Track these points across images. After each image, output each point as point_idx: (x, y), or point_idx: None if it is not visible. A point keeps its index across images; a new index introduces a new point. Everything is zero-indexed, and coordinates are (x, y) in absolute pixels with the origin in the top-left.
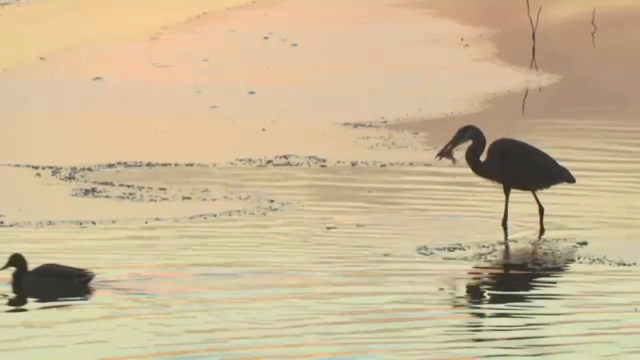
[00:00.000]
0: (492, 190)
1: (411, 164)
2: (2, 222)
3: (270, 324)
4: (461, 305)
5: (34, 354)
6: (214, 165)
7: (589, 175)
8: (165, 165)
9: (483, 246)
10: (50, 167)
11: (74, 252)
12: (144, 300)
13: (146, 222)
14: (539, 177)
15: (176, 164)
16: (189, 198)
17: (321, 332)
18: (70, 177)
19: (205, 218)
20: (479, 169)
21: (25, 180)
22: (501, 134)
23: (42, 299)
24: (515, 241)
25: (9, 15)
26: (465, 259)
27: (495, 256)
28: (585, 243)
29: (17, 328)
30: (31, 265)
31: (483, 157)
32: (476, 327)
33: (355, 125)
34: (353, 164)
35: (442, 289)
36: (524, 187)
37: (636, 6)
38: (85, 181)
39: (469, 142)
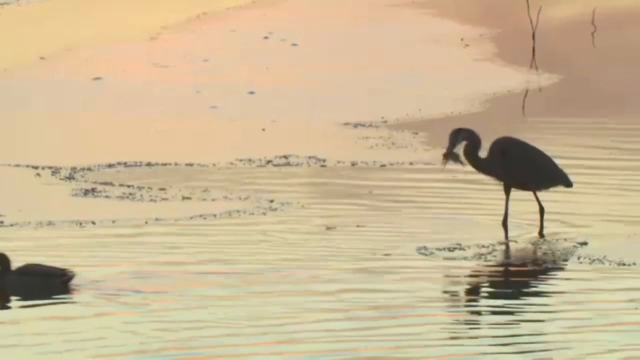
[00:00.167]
0: (492, 190)
1: (411, 163)
2: (2, 222)
3: (267, 323)
4: (461, 305)
5: (14, 353)
6: (214, 165)
7: (589, 175)
8: (165, 165)
9: (483, 246)
10: (50, 167)
11: (62, 250)
12: (133, 300)
13: (146, 222)
14: (539, 178)
15: (176, 164)
16: (189, 198)
17: (318, 329)
18: (70, 177)
19: (205, 218)
20: (480, 165)
21: (25, 180)
22: (501, 134)
23: (23, 298)
24: (516, 241)
25: (9, 15)
26: (465, 258)
27: (495, 256)
28: (585, 243)
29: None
30: (16, 265)
31: (484, 155)
32: (476, 327)
33: (355, 125)
34: (353, 164)
35: (442, 289)
36: (523, 186)
37: (636, 6)
38: (85, 181)
39: (463, 143)
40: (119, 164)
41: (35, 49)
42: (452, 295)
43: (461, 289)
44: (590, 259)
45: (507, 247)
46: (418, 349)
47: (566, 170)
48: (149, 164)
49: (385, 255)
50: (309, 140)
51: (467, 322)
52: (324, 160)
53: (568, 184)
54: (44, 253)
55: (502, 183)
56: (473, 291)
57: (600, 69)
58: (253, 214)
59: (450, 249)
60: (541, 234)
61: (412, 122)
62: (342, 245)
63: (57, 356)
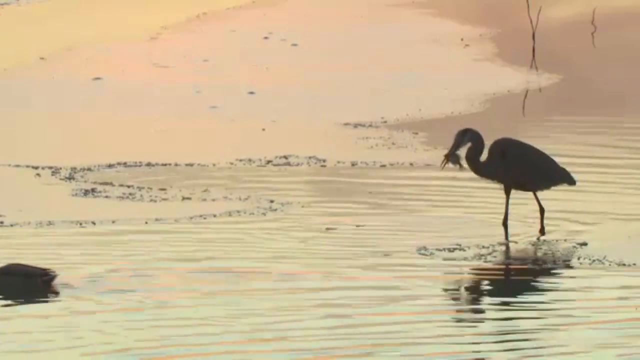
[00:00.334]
0: (492, 191)
1: (411, 164)
2: (2, 222)
3: (263, 321)
4: (461, 305)
5: None
6: (214, 165)
7: (589, 175)
8: (165, 165)
9: (483, 246)
10: (50, 167)
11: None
12: (125, 299)
13: (146, 222)
14: (539, 178)
15: (176, 164)
16: (189, 198)
17: (317, 328)
18: (70, 177)
19: (205, 218)
20: (480, 170)
21: (25, 180)
22: (501, 134)
23: (4, 297)
24: (516, 241)
25: (9, 15)
26: (465, 259)
27: (495, 256)
28: (585, 243)
29: None
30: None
31: (484, 157)
32: (476, 327)
33: (355, 125)
34: (353, 164)
35: (442, 289)
36: (523, 187)
37: (636, 6)
38: (85, 181)
39: (468, 144)
40: (119, 164)
41: (35, 49)
42: (452, 295)
43: (461, 289)
44: (590, 259)
45: (507, 247)
46: (418, 348)
47: (567, 169)
48: (149, 164)
49: (385, 255)
50: (309, 140)
51: (467, 322)
52: (324, 160)
53: (571, 182)
54: (44, 252)
55: (502, 185)
56: (473, 291)
57: (600, 69)
58: (253, 214)
59: (450, 249)
60: (541, 234)
61: (412, 122)
62: (342, 245)
63: (41, 355)
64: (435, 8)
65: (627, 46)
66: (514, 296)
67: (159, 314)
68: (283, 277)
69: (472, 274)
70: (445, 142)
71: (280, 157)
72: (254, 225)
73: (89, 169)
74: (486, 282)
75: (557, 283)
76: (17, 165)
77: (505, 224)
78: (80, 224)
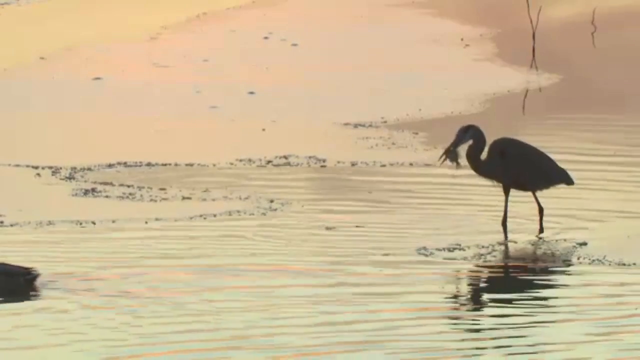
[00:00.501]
0: (491, 190)
1: (411, 164)
2: (2, 222)
3: (261, 321)
4: (461, 305)
5: None
6: (214, 165)
7: (588, 175)
8: (165, 165)
9: (483, 246)
10: (50, 167)
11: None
12: (118, 299)
13: (146, 222)
14: (538, 178)
15: (176, 164)
16: (188, 198)
17: (316, 327)
18: (70, 177)
19: (205, 218)
20: (480, 168)
21: (25, 180)
22: (501, 134)
23: None
24: (515, 241)
25: (9, 15)
26: (465, 259)
27: (495, 256)
28: (585, 243)
29: None
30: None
31: (483, 156)
32: (475, 327)
33: (355, 125)
34: (353, 164)
35: (441, 289)
36: (523, 187)
37: (636, 6)
38: (85, 181)
39: (470, 142)
40: (119, 164)
41: (35, 49)
42: (451, 295)
43: (461, 289)
44: (590, 258)
45: (507, 247)
46: (417, 347)
47: (566, 170)
48: (149, 164)
49: (385, 255)
50: (309, 140)
51: (466, 322)
52: (324, 160)
53: (569, 182)
54: (42, 252)
55: (501, 185)
56: (472, 291)
57: (600, 69)
58: (253, 214)
59: (450, 249)
60: (540, 235)
61: (412, 122)
62: (342, 245)
63: (29, 353)
64: (435, 8)
65: (627, 46)
66: (514, 296)
67: (142, 313)
68: (283, 276)
69: (472, 273)
70: (445, 142)
71: (280, 157)
72: (254, 225)
73: (89, 169)
74: (485, 281)
75: (557, 283)
76: (17, 165)
77: (504, 223)
78: (80, 223)
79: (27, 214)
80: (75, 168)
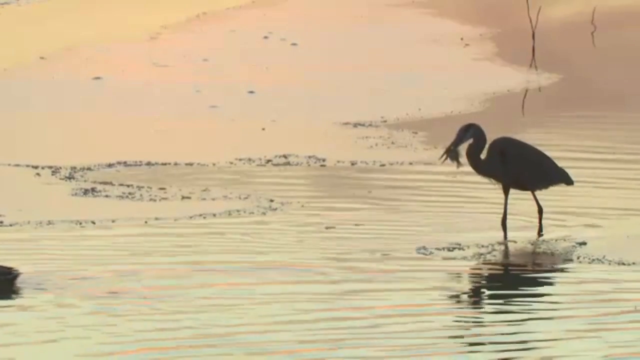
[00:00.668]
0: (491, 190)
1: (411, 163)
2: (1, 222)
3: (259, 320)
4: (460, 305)
5: None
6: (214, 164)
7: (588, 175)
8: (165, 165)
9: (482, 246)
10: (50, 167)
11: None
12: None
13: (146, 222)
14: (538, 178)
15: (176, 164)
16: (188, 198)
17: (315, 326)
18: (70, 177)
19: (204, 217)
20: (480, 168)
21: (25, 180)
22: (501, 133)
23: None
24: (515, 241)
25: (9, 15)
26: (464, 258)
27: (494, 256)
28: (584, 243)
29: None
30: None
31: (483, 155)
32: (475, 327)
33: (355, 125)
34: (353, 164)
35: (441, 288)
36: (522, 187)
37: (636, 6)
38: (85, 181)
39: (470, 141)
40: (118, 163)
41: (35, 49)
42: (451, 295)
43: (460, 289)
44: (589, 258)
45: (506, 247)
46: (416, 346)
47: (566, 169)
48: (148, 164)
49: (384, 255)
50: (309, 140)
51: (466, 322)
52: (323, 160)
53: (569, 182)
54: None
55: (500, 184)
56: (472, 291)
57: (600, 69)
58: (253, 213)
59: (449, 249)
60: (540, 234)
61: (412, 121)
62: (341, 244)
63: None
64: (435, 8)
65: (627, 46)
66: (513, 295)
67: (122, 311)
68: (282, 276)
69: (471, 273)
70: (445, 141)
71: (280, 157)
72: (254, 225)
73: (89, 169)
74: (485, 280)
75: (557, 282)
76: (17, 165)
77: (504, 223)
78: (80, 223)
79: (27, 214)
80: (75, 168)
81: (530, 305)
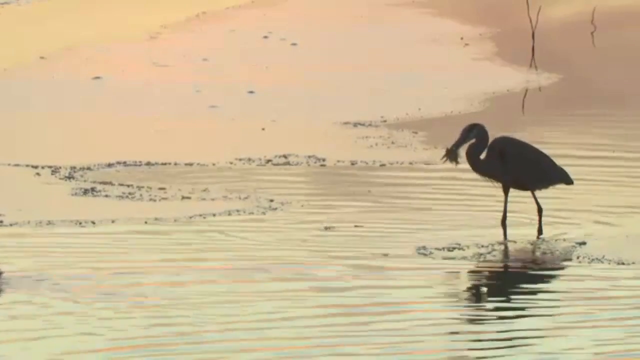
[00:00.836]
0: (491, 190)
1: (411, 163)
2: (1, 222)
3: (256, 319)
4: (460, 305)
5: None
6: (214, 164)
7: (588, 175)
8: (164, 164)
9: (482, 246)
10: (50, 167)
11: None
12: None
13: (146, 222)
14: (537, 177)
15: (176, 164)
16: (188, 198)
17: (314, 325)
18: (70, 177)
19: (204, 217)
20: (479, 168)
21: (25, 180)
22: (501, 133)
23: None
24: (515, 241)
25: (9, 15)
26: (464, 258)
27: (494, 256)
28: (584, 243)
29: None
30: None
31: (482, 155)
32: (475, 327)
33: (355, 125)
34: (353, 164)
35: (441, 288)
36: (522, 186)
37: (636, 6)
38: (85, 181)
39: (472, 141)
40: (118, 163)
41: (35, 49)
42: (450, 295)
43: (460, 289)
44: (589, 258)
45: (506, 247)
46: (416, 345)
47: (566, 169)
48: (148, 164)
49: (384, 254)
50: (309, 140)
51: (466, 322)
52: (323, 160)
53: (569, 182)
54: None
55: (500, 184)
56: (472, 291)
57: (600, 69)
58: (252, 213)
59: (449, 249)
60: (540, 234)
61: (412, 121)
62: (341, 244)
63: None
64: (435, 8)
65: (627, 46)
66: (513, 295)
67: (103, 312)
68: (281, 275)
69: (471, 273)
70: (445, 141)
71: (280, 157)
72: (254, 225)
73: (89, 169)
74: (485, 281)
75: (557, 282)
76: (17, 165)
77: (504, 223)
78: (80, 223)
79: (26, 214)
80: (74, 167)
81: (530, 305)
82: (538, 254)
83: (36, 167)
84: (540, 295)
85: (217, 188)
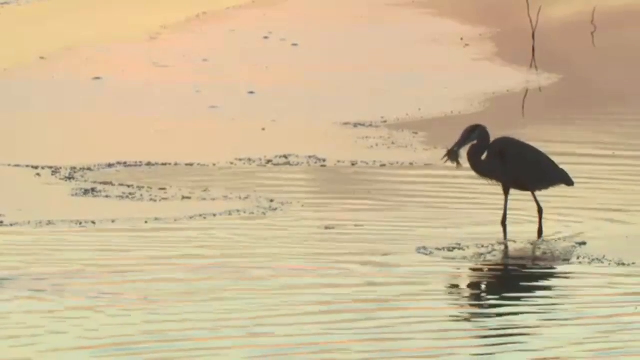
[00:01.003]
0: (491, 190)
1: (411, 163)
2: (1, 222)
3: (254, 318)
4: (460, 305)
5: None
6: (214, 164)
7: (588, 175)
8: (165, 164)
9: (482, 246)
10: (50, 167)
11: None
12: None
13: (146, 222)
14: (538, 178)
15: (176, 164)
16: (188, 198)
17: (312, 324)
18: (70, 177)
19: (205, 217)
20: (479, 168)
21: (25, 180)
22: (501, 133)
23: None
24: (515, 241)
25: (9, 15)
26: (464, 258)
27: (494, 256)
28: (584, 243)
29: None
30: None
31: (483, 156)
32: (475, 327)
33: (355, 125)
34: (353, 164)
35: (441, 288)
36: (522, 187)
37: (636, 6)
38: (85, 181)
39: (474, 142)
40: (118, 163)
41: (35, 49)
42: (450, 295)
43: (460, 289)
44: (589, 258)
45: (506, 247)
46: (416, 345)
47: (566, 169)
48: (149, 164)
49: (384, 254)
50: (309, 140)
51: (466, 322)
52: (324, 160)
53: (569, 183)
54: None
55: (500, 184)
56: (472, 291)
57: (600, 69)
58: (253, 213)
59: (449, 249)
60: (540, 234)
61: (412, 121)
62: (341, 244)
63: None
64: (435, 8)
65: (627, 46)
66: (513, 295)
67: (88, 313)
68: (281, 275)
69: (471, 273)
70: (445, 141)
71: (280, 157)
72: (254, 225)
73: (89, 169)
74: (485, 281)
75: (556, 282)
76: (17, 165)
77: (504, 223)
78: (80, 223)
79: (27, 214)
80: (75, 168)
81: (530, 305)
82: (538, 254)
83: (36, 167)
84: (540, 295)
85: (218, 188)
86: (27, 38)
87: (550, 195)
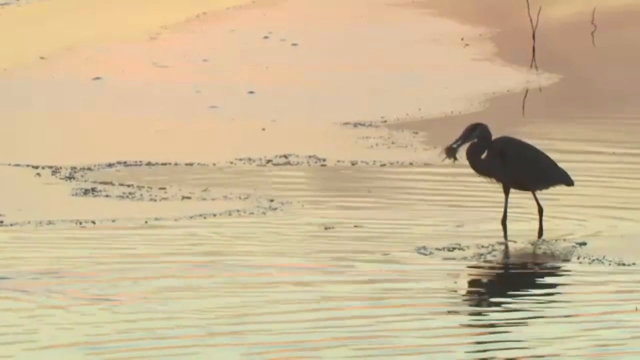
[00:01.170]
0: (491, 190)
1: (411, 163)
2: (1, 222)
3: (254, 315)
4: (460, 305)
5: None
6: (214, 164)
7: (588, 175)
8: (165, 164)
9: (482, 246)
10: (50, 167)
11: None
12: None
13: (146, 222)
14: (538, 178)
15: (176, 164)
16: (188, 197)
17: (312, 322)
18: (70, 177)
19: (205, 217)
20: (479, 167)
21: (25, 180)
22: (501, 133)
23: None
24: (515, 241)
25: (9, 15)
26: (464, 258)
27: (494, 256)
28: (584, 243)
29: None
30: None
31: (483, 155)
32: (474, 327)
33: (355, 125)
34: (353, 164)
35: (441, 288)
36: (522, 187)
37: (636, 6)
38: (85, 181)
39: (474, 140)
40: (119, 163)
41: (35, 49)
42: (450, 295)
43: (460, 289)
44: (589, 258)
45: (507, 247)
46: (415, 346)
47: (566, 169)
48: (149, 164)
49: (384, 255)
50: (309, 140)
51: (465, 322)
52: (324, 160)
53: (569, 183)
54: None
55: (500, 184)
56: (472, 291)
57: (600, 69)
58: (253, 213)
59: (449, 249)
60: (540, 234)
61: (412, 121)
62: (341, 244)
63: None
64: (435, 8)
65: (627, 46)
66: (513, 295)
67: (78, 311)
68: (281, 275)
69: (471, 273)
70: (445, 141)
71: (280, 157)
72: (254, 224)
73: (89, 169)
74: (485, 281)
75: (557, 282)
76: (17, 165)
77: (504, 223)
78: (80, 223)
79: (27, 214)
80: (75, 168)
81: (530, 305)
82: (538, 254)
83: (37, 167)
84: (540, 296)
85: (217, 188)
86: (27, 38)
87: (550, 195)
